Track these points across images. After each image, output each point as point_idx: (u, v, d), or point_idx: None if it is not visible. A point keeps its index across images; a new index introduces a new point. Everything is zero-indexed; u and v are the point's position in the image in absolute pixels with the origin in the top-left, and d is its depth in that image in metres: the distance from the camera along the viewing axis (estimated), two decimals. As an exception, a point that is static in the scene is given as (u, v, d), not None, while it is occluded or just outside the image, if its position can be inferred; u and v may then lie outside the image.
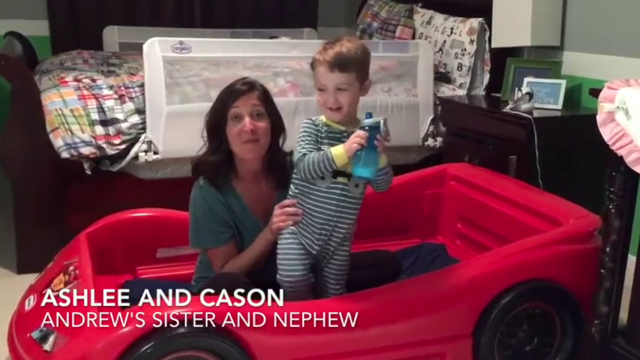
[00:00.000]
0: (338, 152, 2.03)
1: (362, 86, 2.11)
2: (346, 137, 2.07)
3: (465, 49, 4.08)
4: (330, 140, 2.10)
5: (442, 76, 4.19)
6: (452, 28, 4.21)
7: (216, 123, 2.31)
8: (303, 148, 2.10)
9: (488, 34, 3.97)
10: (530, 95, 3.33)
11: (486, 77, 4.07)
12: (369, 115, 2.07)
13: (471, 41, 4.03)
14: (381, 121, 2.03)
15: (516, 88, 3.42)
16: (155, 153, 3.44)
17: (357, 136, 2.00)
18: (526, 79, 3.51)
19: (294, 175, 2.20)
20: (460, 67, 4.13)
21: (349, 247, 2.24)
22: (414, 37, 4.65)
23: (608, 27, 3.36)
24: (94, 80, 3.51)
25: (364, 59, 2.09)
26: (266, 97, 2.34)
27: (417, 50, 3.99)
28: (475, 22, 4.02)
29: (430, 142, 4.02)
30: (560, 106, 3.40)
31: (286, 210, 2.18)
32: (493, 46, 3.94)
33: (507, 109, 3.36)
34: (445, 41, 4.25)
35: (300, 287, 2.17)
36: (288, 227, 2.18)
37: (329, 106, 2.08)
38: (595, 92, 2.22)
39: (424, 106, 3.98)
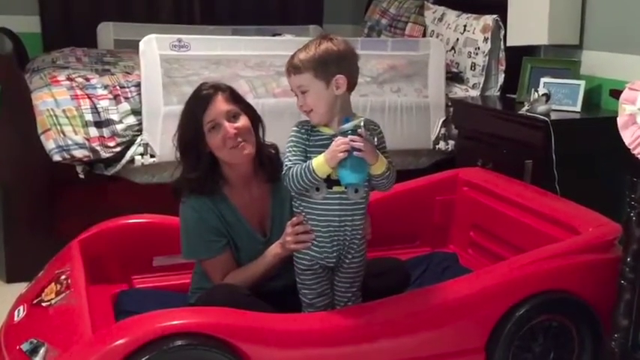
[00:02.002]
0: (319, 163, 2.03)
1: (329, 84, 2.08)
2: None
3: (479, 48, 4.09)
4: (319, 147, 2.09)
5: (454, 76, 4.20)
6: (465, 26, 4.22)
7: (191, 139, 2.30)
8: (290, 160, 2.11)
9: (503, 31, 3.98)
10: (548, 96, 3.33)
11: (501, 77, 4.08)
12: (347, 120, 2.07)
13: (485, 39, 4.04)
14: (361, 123, 2.03)
15: (532, 89, 3.42)
16: (152, 156, 3.45)
17: (339, 144, 2.00)
18: (543, 80, 3.51)
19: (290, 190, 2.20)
20: (473, 66, 4.14)
21: (364, 252, 2.23)
22: (424, 35, 4.67)
23: (630, 25, 3.37)
24: (87, 79, 3.53)
25: (323, 57, 2.06)
26: (234, 95, 2.35)
27: (427, 49, 3.99)
28: (489, 19, 4.03)
29: (441, 145, 4.03)
30: (578, 107, 3.41)
31: (296, 229, 2.18)
32: (508, 44, 3.95)
33: (523, 111, 3.36)
34: (458, 39, 4.27)
35: (320, 309, 2.21)
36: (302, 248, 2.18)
37: (302, 110, 2.13)
38: (616, 93, 2.23)
39: (435, 108, 3.99)
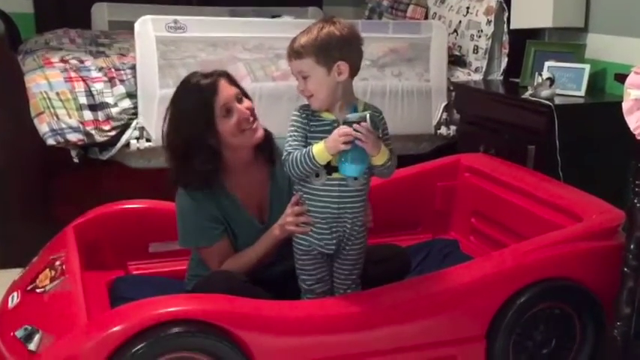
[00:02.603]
0: (319, 150, 2.03)
1: (330, 70, 2.06)
2: (337, 127, 2.06)
3: (482, 31, 4.09)
4: (320, 133, 2.09)
5: (457, 60, 4.20)
6: (468, 8, 4.22)
7: (199, 133, 2.24)
8: (290, 145, 2.10)
9: (506, 14, 3.98)
10: (552, 81, 3.34)
11: (504, 61, 4.09)
12: (354, 109, 2.08)
13: (488, 22, 4.04)
14: (367, 115, 2.01)
15: (536, 73, 3.43)
16: (147, 140, 3.46)
17: (341, 133, 1.99)
18: (547, 64, 3.51)
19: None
20: (476, 49, 4.14)
21: (364, 240, 2.24)
22: (426, 17, 4.66)
23: (637, 7, 3.36)
24: (81, 61, 3.53)
25: (325, 42, 2.05)
26: (232, 79, 2.35)
27: (429, 31, 3.99)
28: (493, 1, 4.03)
29: (443, 130, 4.04)
30: (583, 92, 3.41)
31: (295, 210, 2.18)
32: (512, 27, 3.95)
33: (526, 95, 3.37)
34: (460, 22, 4.26)
35: (320, 295, 2.22)
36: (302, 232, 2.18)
37: (303, 94, 2.13)
38: (621, 78, 2.23)
39: (437, 92, 4.00)
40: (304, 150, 2.06)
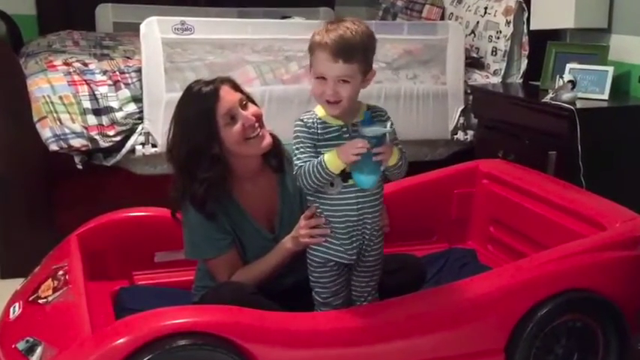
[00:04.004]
0: (331, 158, 2.01)
1: (364, 78, 2.06)
2: (345, 133, 2.06)
3: (501, 32, 4.09)
4: (329, 140, 2.08)
5: (474, 62, 4.20)
6: (486, 8, 4.22)
7: (201, 143, 2.23)
8: (299, 158, 2.08)
9: (526, 14, 3.99)
10: (573, 84, 3.34)
11: (524, 63, 4.09)
12: (369, 119, 2.05)
13: (507, 22, 4.04)
14: (387, 133, 1.99)
15: (557, 76, 3.43)
16: (153, 146, 3.47)
17: (356, 147, 1.97)
18: (568, 66, 3.52)
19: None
20: (495, 51, 4.14)
21: (382, 245, 2.23)
22: (443, 18, 4.67)
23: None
24: (85, 64, 3.55)
25: (370, 47, 2.05)
26: (235, 84, 2.33)
27: (446, 32, 4.00)
28: (512, 1, 4.03)
29: (460, 135, 4.04)
30: (606, 95, 3.41)
31: (310, 222, 2.17)
32: (532, 28, 3.96)
33: (547, 99, 3.37)
34: (478, 22, 4.27)
35: (336, 308, 2.22)
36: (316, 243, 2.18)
37: (327, 99, 2.04)
38: (646, 80, 2.24)
39: (454, 96, 4.00)
40: (315, 161, 2.04)
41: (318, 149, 2.08)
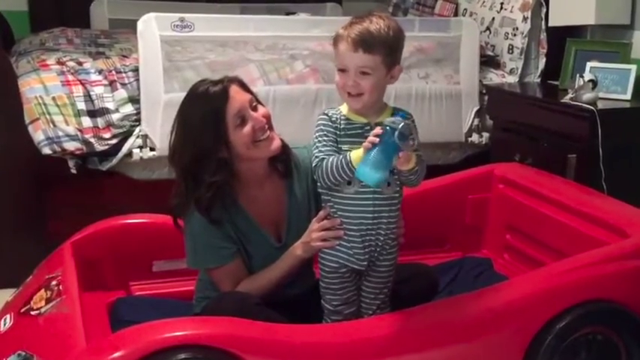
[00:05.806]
0: (357, 156, 2.03)
1: (389, 72, 2.10)
2: (368, 131, 2.07)
3: (517, 28, 4.10)
4: (351, 137, 2.11)
5: (489, 60, 4.21)
6: (502, 3, 4.23)
7: (209, 146, 2.23)
8: (320, 151, 2.11)
9: (544, 10, 3.99)
10: (594, 83, 3.34)
11: (542, 62, 4.09)
12: (403, 115, 2.09)
13: (525, 18, 4.05)
14: (409, 131, 1.97)
15: (577, 75, 3.43)
16: (151, 149, 3.49)
17: (373, 134, 1.99)
18: (589, 64, 3.51)
19: (318, 184, 2.20)
20: (511, 49, 4.15)
21: (396, 255, 2.25)
22: (456, 14, 4.68)
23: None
24: (80, 63, 3.57)
25: (395, 41, 2.09)
26: (244, 84, 2.34)
27: (459, 29, 4.01)
28: (529, -4, 4.04)
29: (474, 138, 4.04)
30: (629, 95, 3.40)
31: (323, 224, 2.18)
32: (550, 24, 3.96)
33: (566, 99, 3.37)
34: (494, 19, 4.27)
35: (347, 317, 2.22)
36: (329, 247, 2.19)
37: (348, 90, 2.09)
38: (670, 80, 2.24)
39: (468, 96, 4.01)
40: (340, 156, 2.07)
41: (339, 145, 2.12)
